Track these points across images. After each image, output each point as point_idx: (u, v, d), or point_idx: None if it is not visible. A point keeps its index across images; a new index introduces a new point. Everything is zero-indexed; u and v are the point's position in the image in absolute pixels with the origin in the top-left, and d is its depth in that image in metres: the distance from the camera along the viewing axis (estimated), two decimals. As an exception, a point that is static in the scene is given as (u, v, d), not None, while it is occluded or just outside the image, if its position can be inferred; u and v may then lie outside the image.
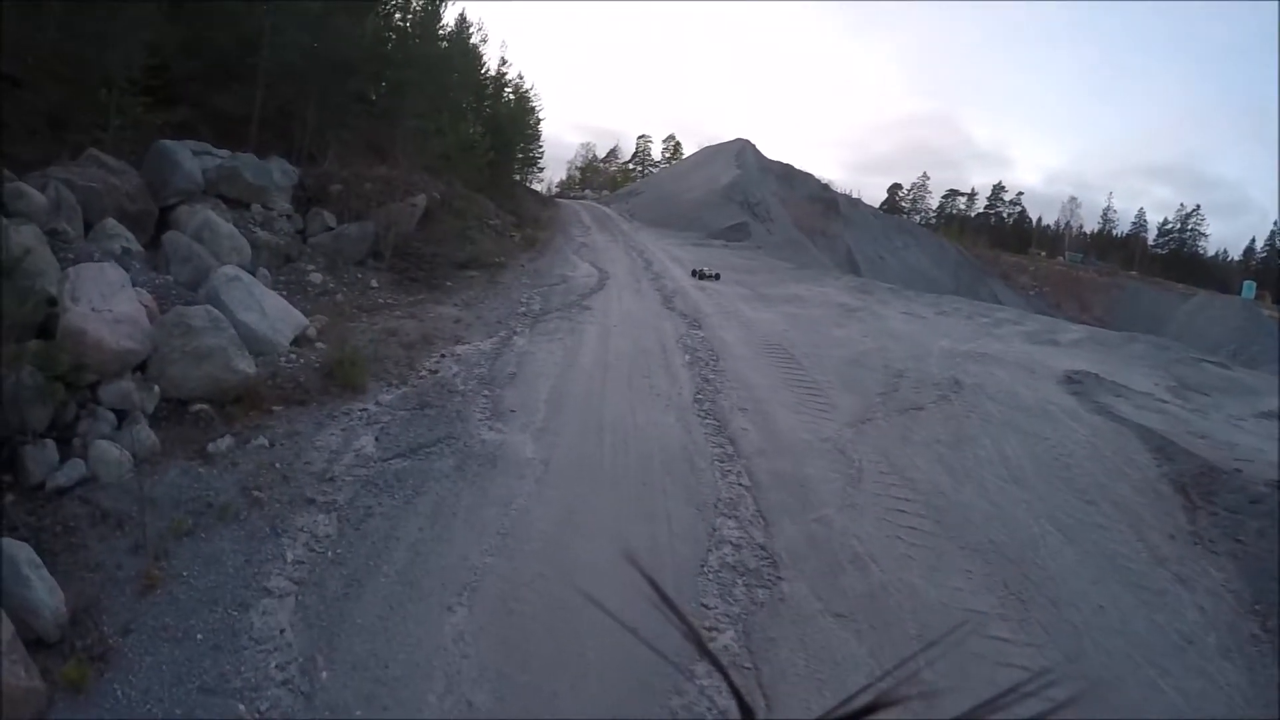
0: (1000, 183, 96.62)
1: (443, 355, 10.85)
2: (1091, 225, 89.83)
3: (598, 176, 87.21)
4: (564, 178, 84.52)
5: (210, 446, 7.23)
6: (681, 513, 7.14)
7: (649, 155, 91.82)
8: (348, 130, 19.48)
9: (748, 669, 5.13)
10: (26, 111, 12.09)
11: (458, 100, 26.38)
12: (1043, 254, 75.64)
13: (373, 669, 4.85)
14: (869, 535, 7.05)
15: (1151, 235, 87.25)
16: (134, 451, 6.80)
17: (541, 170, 46.66)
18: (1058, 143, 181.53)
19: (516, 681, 4.84)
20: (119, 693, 4.59)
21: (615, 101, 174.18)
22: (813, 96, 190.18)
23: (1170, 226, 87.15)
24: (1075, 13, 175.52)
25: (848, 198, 57.13)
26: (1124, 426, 10.66)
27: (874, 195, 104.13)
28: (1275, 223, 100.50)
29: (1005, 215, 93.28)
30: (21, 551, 5.14)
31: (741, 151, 52.69)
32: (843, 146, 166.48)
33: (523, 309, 14.44)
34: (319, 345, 10.27)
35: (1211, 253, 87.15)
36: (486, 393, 9.59)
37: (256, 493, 6.63)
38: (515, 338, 12.24)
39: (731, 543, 6.69)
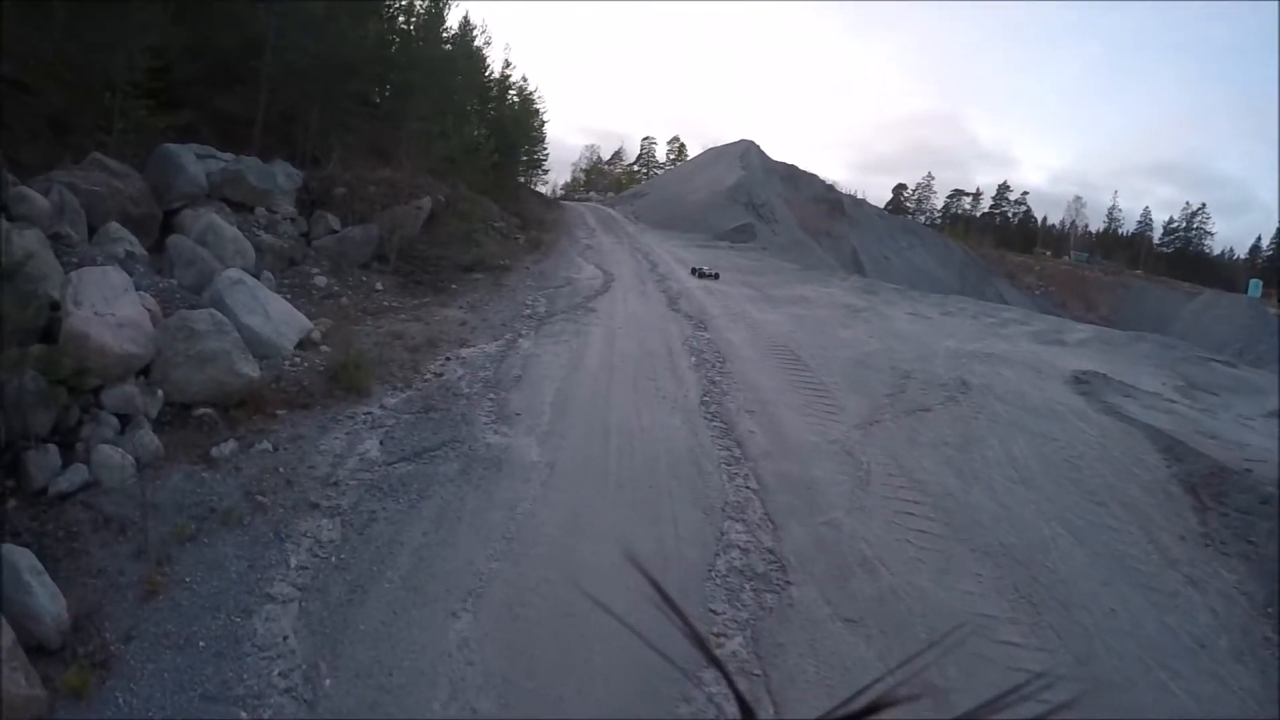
0: (1005, 182, 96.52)
1: (447, 358, 10.80)
2: (1097, 224, 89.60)
3: (602, 178, 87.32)
4: (569, 180, 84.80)
5: (214, 451, 7.18)
6: (688, 516, 7.07)
7: (653, 157, 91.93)
8: (352, 133, 19.48)
9: (756, 675, 5.06)
10: (30, 115, 12.09)
11: (462, 103, 26.42)
12: (1048, 253, 75.44)
13: (376, 676, 4.80)
14: (878, 538, 6.98)
15: (1157, 234, 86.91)
16: (137, 456, 6.77)
17: (546, 172, 46.87)
18: (1062, 142, 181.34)
19: (522, 688, 4.77)
20: (120, 700, 4.55)
21: (619, 104, 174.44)
22: (816, 97, 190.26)
23: (1176, 225, 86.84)
24: (1078, 11, 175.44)
25: (852, 198, 57.09)
26: (1132, 427, 10.58)
27: (879, 195, 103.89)
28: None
29: (1010, 215, 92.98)
30: (23, 558, 5.10)
31: (746, 153, 52.70)
32: (847, 147, 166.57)
33: (528, 311, 14.39)
34: (323, 348, 10.22)
35: (1217, 251, 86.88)
36: (491, 396, 9.54)
37: (260, 497, 6.58)
38: (520, 340, 12.19)
39: (739, 547, 6.62)
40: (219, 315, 8.49)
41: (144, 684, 4.65)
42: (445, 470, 7.47)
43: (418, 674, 4.84)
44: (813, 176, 54.48)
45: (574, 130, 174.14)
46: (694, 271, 22.21)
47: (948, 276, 50.54)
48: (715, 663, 0.84)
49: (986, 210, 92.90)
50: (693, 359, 12.15)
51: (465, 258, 17.54)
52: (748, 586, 6.06)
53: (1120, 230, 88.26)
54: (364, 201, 16.26)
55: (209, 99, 15.58)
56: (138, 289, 8.64)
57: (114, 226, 10.48)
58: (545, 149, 39.27)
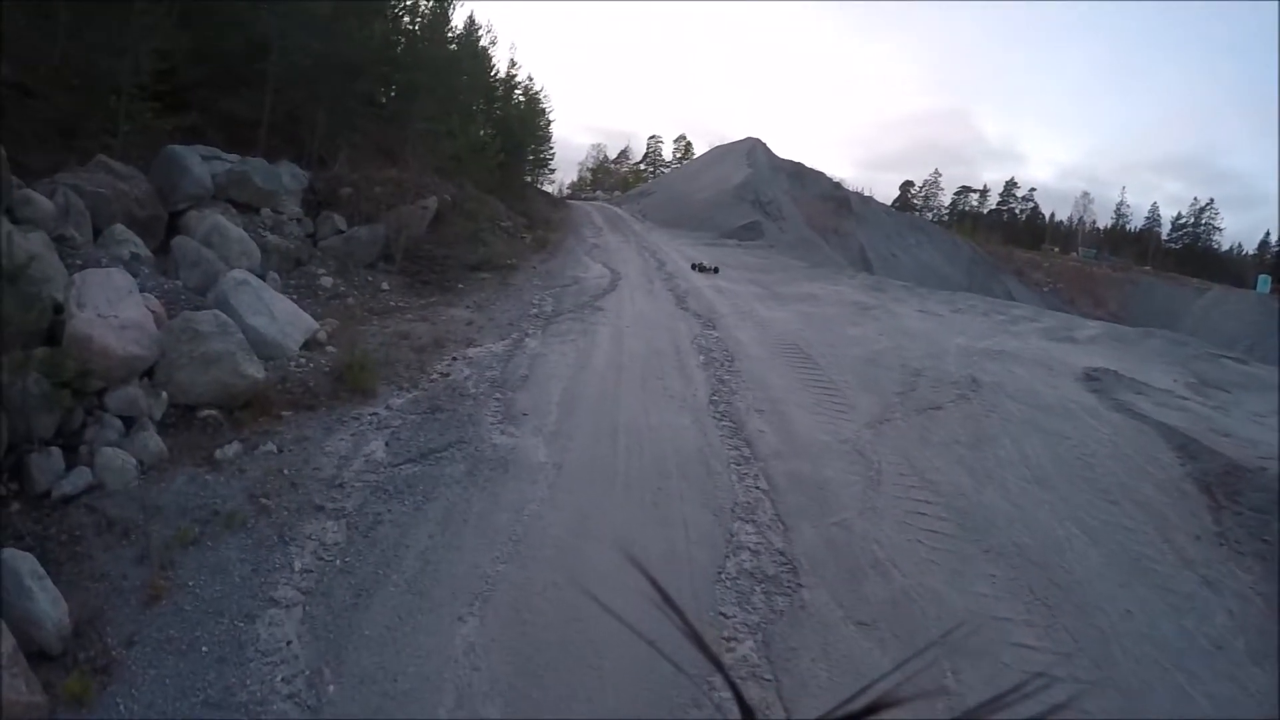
0: (1012, 179, 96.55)
1: (454, 358, 10.73)
2: (1105, 220, 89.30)
3: (609, 177, 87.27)
4: (575, 179, 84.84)
5: (218, 453, 7.13)
6: (698, 518, 6.97)
7: (660, 156, 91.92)
8: (357, 133, 19.46)
9: (768, 681, 4.95)
10: (36, 119, 12.08)
11: (467, 102, 26.37)
12: (1056, 250, 75.10)
13: (381, 682, 4.72)
14: (890, 539, 6.87)
15: (1165, 230, 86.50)
16: (141, 458, 6.73)
17: (553, 172, 46.83)
18: (1070, 138, 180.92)
19: (529, 695, 4.68)
20: (122, 707, 4.49)
21: (626, 102, 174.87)
22: (823, 94, 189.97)
23: (1184, 221, 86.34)
24: (1086, 6, 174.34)
25: (859, 195, 56.89)
26: (1145, 424, 10.45)
27: (886, 193, 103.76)
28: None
29: (1018, 211, 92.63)
30: (24, 563, 5.05)
31: (752, 150, 52.61)
32: (854, 144, 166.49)
33: (535, 310, 14.32)
34: (329, 349, 10.17)
35: (1226, 247, 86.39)
36: (498, 396, 9.46)
37: (264, 500, 6.52)
38: (527, 340, 12.11)
39: (749, 548, 6.52)
40: (223, 316, 8.44)
41: (145, 690, 4.58)
42: (451, 471, 7.40)
43: (423, 680, 4.76)
44: (819, 174, 54.37)
45: (580, 129, 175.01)
46: (694, 266, 22.51)
47: (955, 273, 50.29)
48: (716, 663, 0.82)
49: (994, 207, 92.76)
50: (701, 358, 12.05)
51: (472, 257, 17.48)
52: (758, 589, 5.95)
53: (1128, 226, 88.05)
54: (370, 201, 16.22)
55: (214, 101, 15.57)
56: (142, 290, 8.59)
57: (119, 228, 10.45)
58: (551, 148, 39.34)
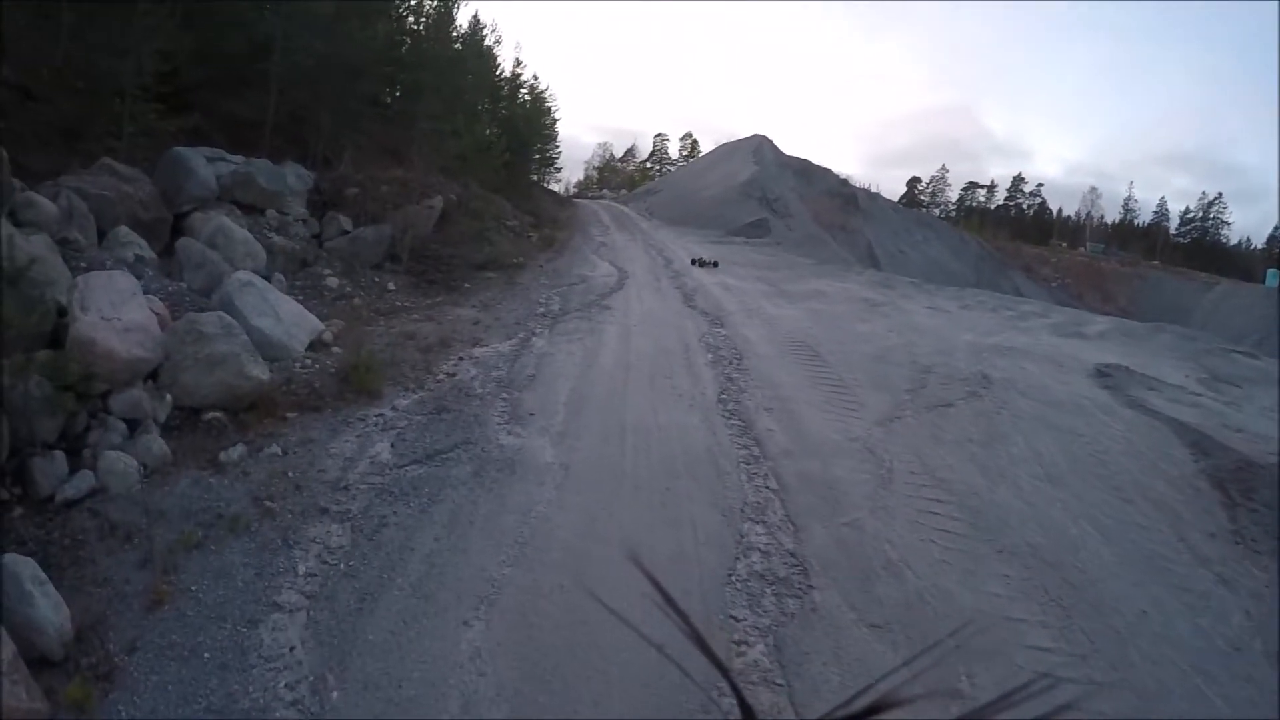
0: (1020, 174, 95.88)
1: (460, 358, 10.66)
2: (1112, 215, 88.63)
3: (615, 176, 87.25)
4: (582, 178, 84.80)
5: (222, 455, 7.07)
6: (707, 518, 6.87)
7: (666, 154, 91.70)
8: (362, 133, 19.43)
9: (779, 685, 4.86)
10: (39, 122, 12.07)
11: (473, 102, 26.32)
12: (1064, 245, 74.60)
13: (385, 688, 4.64)
14: (902, 539, 6.76)
15: (1173, 224, 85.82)
16: (144, 462, 6.68)
17: (559, 171, 46.77)
18: (1077, 134, 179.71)
19: (536, 701, 4.60)
20: (123, 714, 4.44)
21: (632, 101, 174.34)
22: (829, 91, 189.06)
23: (1192, 215, 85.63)
24: (1092, 2, 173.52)
25: (866, 192, 56.63)
26: (1158, 421, 10.34)
27: (893, 189, 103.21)
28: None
29: (1025, 207, 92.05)
30: (26, 568, 5.00)
31: (759, 148, 52.42)
32: (860, 140, 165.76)
33: (541, 309, 14.24)
34: (335, 350, 10.11)
35: (1234, 241, 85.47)
36: (505, 396, 9.38)
37: (268, 503, 6.45)
38: (534, 339, 12.03)
39: (760, 549, 6.42)
40: (227, 318, 8.39)
41: (147, 697, 4.52)
42: (457, 473, 7.32)
43: (428, 686, 4.68)
44: (826, 171, 54.06)
45: (587, 128, 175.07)
46: (693, 261, 22.70)
47: (963, 269, 50.03)
48: (718, 664, 0.80)
49: (1001, 203, 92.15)
50: (709, 356, 11.95)
51: (478, 256, 17.42)
52: (769, 591, 5.86)
53: (1136, 221, 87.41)
54: (376, 202, 16.18)
55: (218, 102, 15.55)
56: (147, 292, 8.56)
57: (123, 230, 10.42)
58: (558, 147, 39.19)
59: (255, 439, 7.49)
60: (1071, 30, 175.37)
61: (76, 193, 10.00)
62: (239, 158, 14.27)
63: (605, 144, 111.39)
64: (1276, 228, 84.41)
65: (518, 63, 38.46)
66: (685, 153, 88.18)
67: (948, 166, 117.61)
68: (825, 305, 17.47)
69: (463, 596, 5.50)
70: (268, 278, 11.34)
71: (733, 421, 9.20)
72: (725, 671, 0.82)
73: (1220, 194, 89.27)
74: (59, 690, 4.51)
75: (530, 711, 4.53)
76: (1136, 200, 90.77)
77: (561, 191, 53.03)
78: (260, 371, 8.18)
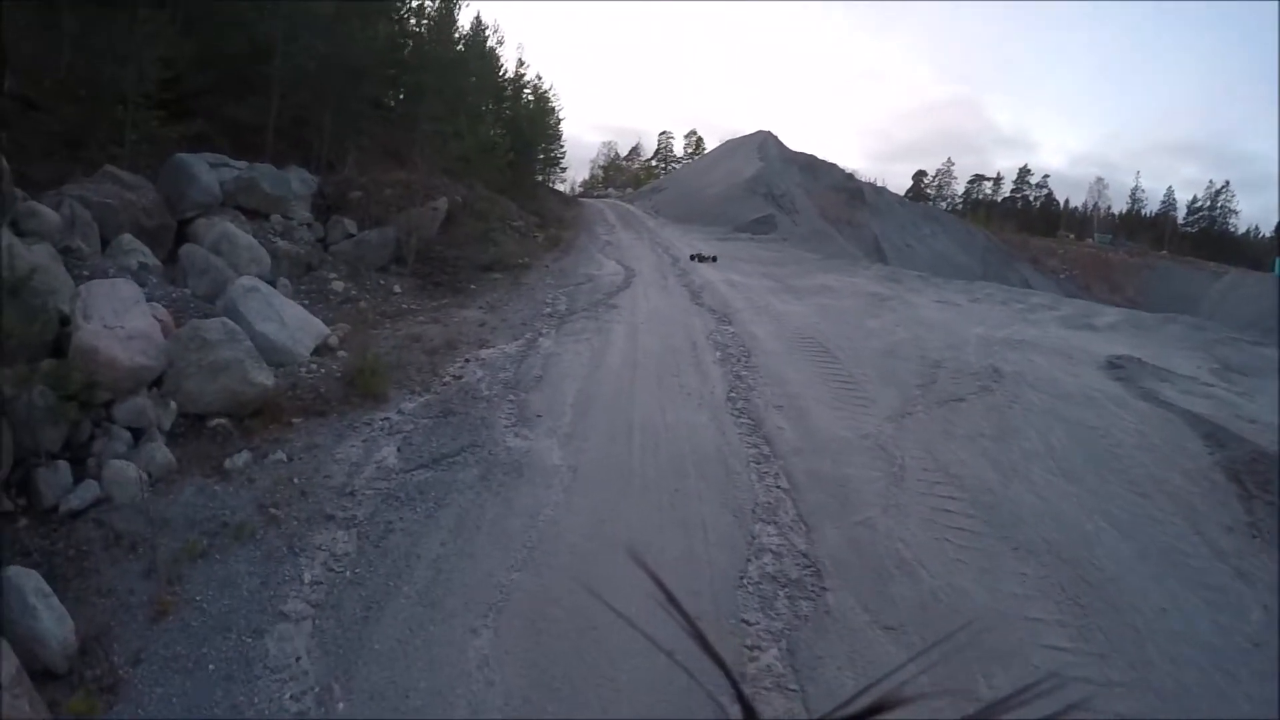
0: (1026, 166, 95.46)
1: (467, 360, 10.59)
2: (1120, 206, 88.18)
3: (620, 175, 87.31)
4: (587, 177, 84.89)
5: (227, 462, 7.01)
6: (717, 519, 6.77)
7: (671, 151, 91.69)
8: (365, 136, 19.39)
9: (793, 691, 4.76)
10: (42, 132, 12.05)
11: (476, 103, 26.27)
12: (1071, 236, 74.21)
13: (391, 698, 4.56)
14: (915, 538, 6.65)
15: (1181, 214, 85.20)
16: (149, 470, 6.62)
17: (564, 170, 46.79)
18: (1082, 124, 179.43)
19: (545, 710, 4.52)
20: (128, 727, 4.36)
21: (636, 100, 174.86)
22: (833, 86, 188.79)
23: (1200, 204, 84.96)
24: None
25: (872, 186, 56.50)
26: (1171, 413, 10.25)
27: (899, 183, 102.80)
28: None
29: (1032, 199, 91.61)
30: (29, 580, 4.95)
31: (764, 144, 52.35)
32: (865, 135, 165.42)
33: (548, 310, 14.16)
34: (340, 354, 10.05)
35: (1242, 230, 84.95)
36: (512, 397, 9.30)
37: (274, 510, 6.39)
38: (541, 339, 11.95)
39: (772, 551, 6.32)
40: (231, 324, 8.33)
41: (152, 709, 4.47)
42: (464, 477, 7.24)
43: (435, 695, 4.60)
44: (832, 165, 53.97)
45: (591, 128, 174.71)
46: (693, 256, 22.96)
47: (970, 262, 49.81)
48: (719, 662, 0.79)
49: (1008, 195, 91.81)
50: (718, 354, 11.84)
51: (483, 257, 17.37)
52: (781, 594, 5.76)
53: (1144, 211, 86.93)
54: (380, 204, 16.15)
55: (220, 107, 15.50)
56: (151, 300, 8.52)
57: (126, 238, 10.39)
58: (562, 147, 39.17)
59: (260, 445, 7.43)
60: (1074, 20, 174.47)
61: (79, 201, 9.97)
62: (242, 163, 14.24)
63: (610, 143, 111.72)
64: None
65: (521, 63, 38.47)
66: (690, 150, 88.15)
67: (953, 160, 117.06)
68: (833, 301, 17.35)
69: (470, 603, 5.42)
70: (272, 283, 11.30)
71: (742, 420, 9.10)
72: (726, 669, 0.79)
73: (1227, 182, 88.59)
74: (62, 703, 4.48)
75: (539, 720, 4.45)
76: (1144, 190, 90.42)
77: (567, 191, 53.06)
78: (265, 377, 8.12)
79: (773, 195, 42.05)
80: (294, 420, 8.06)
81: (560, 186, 47.74)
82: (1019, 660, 5.18)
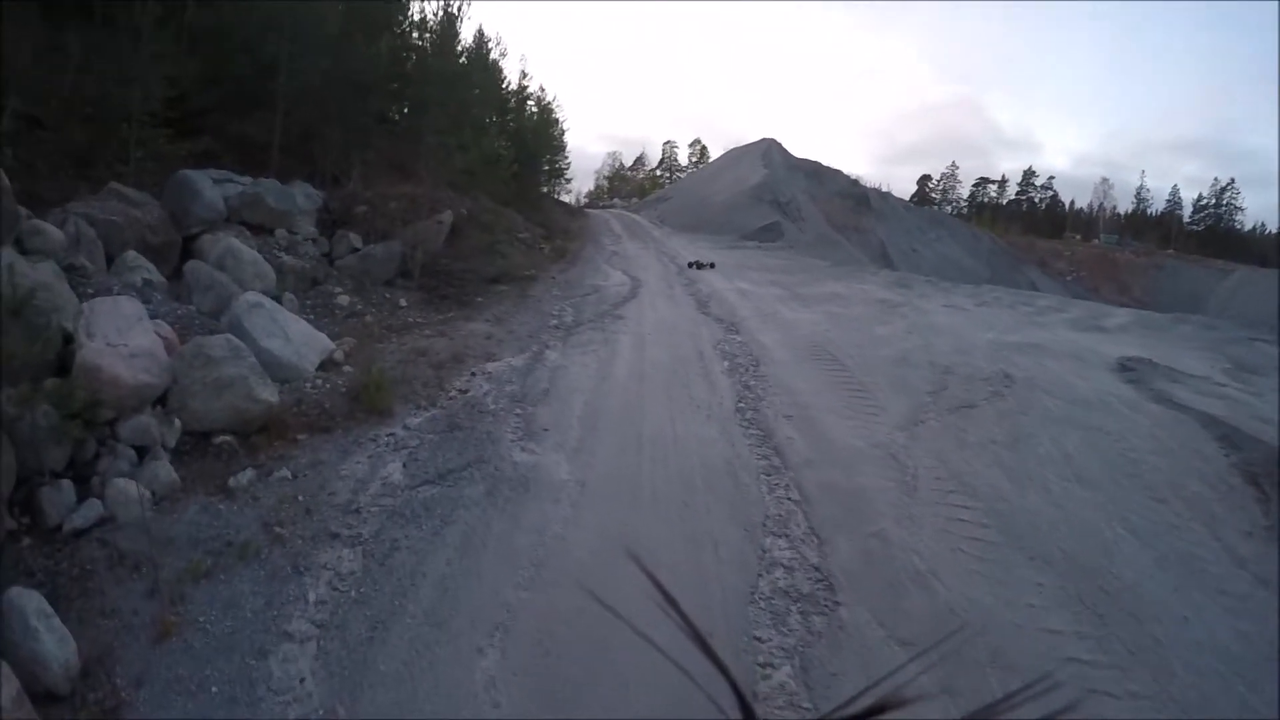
0: (1030, 168, 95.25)
1: (473, 374, 10.51)
2: (1125, 206, 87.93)
3: (626, 185, 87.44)
4: (592, 188, 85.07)
5: (231, 481, 6.95)
6: (728, 534, 6.66)
7: (676, 161, 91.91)
8: (370, 150, 19.42)
9: (807, 709, 4.64)
10: (49, 150, 12.09)
11: (480, 116, 26.29)
12: (1078, 238, 74.05)
13: (398, 722, 4.47)
14: (930, 550, 6.53)
15: (1187, 212, 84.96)
16: (153, 489, 6.57)
17: (569, 181, 46.79)
18: (1084, 124, 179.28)
19: (554, 732, 4.42)
20: (130, 752, 4.29)
21: (639, 110, 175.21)
22: (835, 91, 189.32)
23: (1205, 202, 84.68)
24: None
25: (878, 192, 56.53)
26: (1185, 415, 10.11)
27: (903, 187, 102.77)
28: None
29: (1037, 201, 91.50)
30: (30, 601, 4.89)
31: (768, 151, 52.42)
32: (869, 139, 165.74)
33: (554, 321, 14.09)
34: (346, 369, 10.00)
35: (1249, 227, 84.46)
36: (518, 411, 9.22)
37: (278, 529, 6.32)
38: (547, 352, 11.88)
39: (783, 565, 6.20)
40: (235, 340, 8.28)
41: (154, 735, 4.38)
42: (470, 493, 7.15)
43: (441, 717, 4.51)
44: (836, 172, 54.05)
45: (595, 138, 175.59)
46: (691, 265, 23.10)
47: (977, 266, 49.73)
48: (719, 665, 0.77)
49: (1013, 197, 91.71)
50: (726, 364, 11.75)
51: (489, 270, 17.30)
52: (794, 609, 5.64)
53: (1149, 210, 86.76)
54: (385, 218, 16.13)
55: (226, 124, 15.55)
56: (155, 316, 8.50)
57: (131, 255, 10.38)
58: (567, 158, 39.16)
59: (265, 462, 7.37)
60: (1072, 20, 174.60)
61: (84, 219, 9.98)
62: (247, 178, 14.26)
63: (614, 153, 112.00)
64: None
65: (524, 75, 38.56)
66: (694, 159, 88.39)
67: (958, 163, 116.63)
68: (841, 308, 17.24)
69: (476, 622, 5.32)
70: (278, 298, 11.27)
71: (751, 431, 8.99)
72: (726, 672, 0.78)
73: (1233, 179, 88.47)
74: (64, 728, 4.40)
75: (548, 744, 4.35)
76: (1149, 189, 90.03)
77: (572, 202, 53.17)
78: (269, 394, 8.06)
79: (778, 203, 42.04)
80: (299, 437, 8.00)
81: (565, 198, 47.84)
82: (1038, 673, 5.04)
